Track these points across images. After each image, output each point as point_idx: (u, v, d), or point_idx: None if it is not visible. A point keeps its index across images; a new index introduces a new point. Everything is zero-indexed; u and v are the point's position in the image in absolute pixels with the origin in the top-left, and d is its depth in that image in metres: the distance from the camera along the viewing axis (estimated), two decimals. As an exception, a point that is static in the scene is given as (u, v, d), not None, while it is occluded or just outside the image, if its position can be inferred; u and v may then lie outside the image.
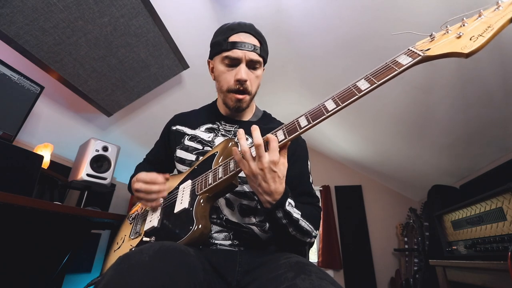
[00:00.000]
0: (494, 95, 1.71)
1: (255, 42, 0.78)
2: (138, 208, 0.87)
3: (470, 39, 0.48)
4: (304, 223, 0.64)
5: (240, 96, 0.77)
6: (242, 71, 0.75)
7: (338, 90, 0.57)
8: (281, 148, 0.59)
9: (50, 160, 1.50)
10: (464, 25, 0.52)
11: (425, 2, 1.48)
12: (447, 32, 0.53)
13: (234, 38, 0.76)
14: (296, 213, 0.62)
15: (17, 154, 1.06)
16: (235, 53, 0.75)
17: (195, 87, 2.27)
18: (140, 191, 0.74)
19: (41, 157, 1.14)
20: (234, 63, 0.76)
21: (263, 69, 0.86)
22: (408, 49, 0.54)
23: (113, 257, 0.75)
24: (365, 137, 3.05)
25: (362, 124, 2.82)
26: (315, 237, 0.68)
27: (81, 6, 1.29)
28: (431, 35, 0.54)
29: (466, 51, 0.47)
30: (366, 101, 2.38)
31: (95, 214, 1.21)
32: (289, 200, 0.61)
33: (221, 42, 0.77)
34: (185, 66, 1.93)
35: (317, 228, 0.69)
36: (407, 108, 2.21)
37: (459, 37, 0.50)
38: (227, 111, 0.87)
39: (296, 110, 3.19)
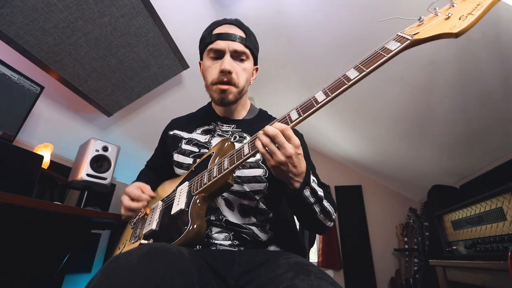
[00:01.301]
0: (494, 95, 1.71)
1: (240, 32, 0.77)
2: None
3: (459, 19, 0.47)
4: (326, 204, 0.67)
5: (224, 87, 0.75)
6: (226, 62, 0.74)
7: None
8: None
9: (50, 160, 1.50)
10: (453, 6, 0.51)
11: (425, 1, 1.48)
12: (436, 14, 0.52)
13: (217, 30, 0.77)
14: (320, 191, 0.66)
15: (17, 154, 1.06)
16: (218, 44, 0.75)
17: (195, 87, 2.27)
18: (123, 205, 0.77)
19: (41, 157, 1.14)
20: (218, 55, 0.76)
21: (256, 68, 0.85)
22: (397, 34, 0.53)
23: None
24: (365, 137, 3.05)
25: (362, 124, 2.82)
26: (333, 220, 0.71)
27: (81, 6, 1.29)
28: (419, 19, 0.54)
29: (455, 30, 0.45)
30: (366, 101, 2.40)
31: (95, 214, 1.21)
32: (312, 177, 0.64)
33: (205, 36, 0.78)
34: (185, 66, 1.93)
35: (336, 210, 0.71)
36: (407, 108, 2.21)
37: (448, 18, 0.49)
38: (223, 111, 0.87)
39: (296, 110, 3.18)
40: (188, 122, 0.91)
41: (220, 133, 0.84)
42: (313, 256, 3.63)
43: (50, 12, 1.23)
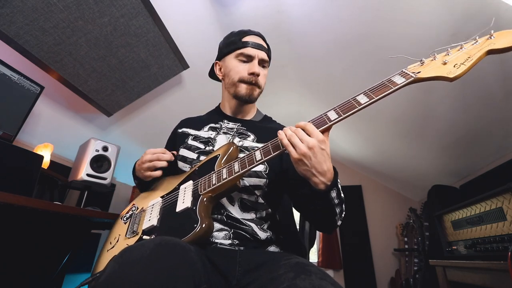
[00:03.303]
0: (494, 95, 1.71)
1: (265, 44, 0.89)
2: (131, 206, 0.87)
3: (454, 66, 0.57)
4: (343, 205, 0.69)
5: (252, 86, 0.85)
6: (256, 66, 0.84)
7: (339, 101, 0.64)
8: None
9: (50, 160, 1.50)
10: (448, 54, 0.61)
11: (425, 1, 1.48)
12: (434, 58, 0.62)
13: (248, 38, 0.86)
14: (342, 192, 0.67)
15: (17, 154, 1.06)
16: (249, 50, 0.84)
17: (195, 87, 2.27)
18: (152, 160, 0.80)
19: (41, 157, 1.14)
20: (247, 59, 0.85)
21: None
22: (402, 70, 0.63)
23: (106, 257, 0.75)
24: (365, 137, 3.05)
25: (362, 124, 2.82)
26: (342, 219, 0.72)
27: (81, 6, 1.29)
28: (421, 60, 0.64)
29: (451, 76, 0.56)
30: (366, 101, 2.39)
31: (95, 214, 1.21)
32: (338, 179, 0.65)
33: (236, 41, 0.86)
34: (185, 66, 1.93)
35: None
36: (407, 108, 2.21)
37: (445, 63, 0.59)
38: (232, 111, 0.91)
39: (296, 110, 3.18)
40: (197, 121, 0.95)
41: (225, 130, 0.87)
42: (313, 256, 3.63)
43: (50, 12, 1.23)
